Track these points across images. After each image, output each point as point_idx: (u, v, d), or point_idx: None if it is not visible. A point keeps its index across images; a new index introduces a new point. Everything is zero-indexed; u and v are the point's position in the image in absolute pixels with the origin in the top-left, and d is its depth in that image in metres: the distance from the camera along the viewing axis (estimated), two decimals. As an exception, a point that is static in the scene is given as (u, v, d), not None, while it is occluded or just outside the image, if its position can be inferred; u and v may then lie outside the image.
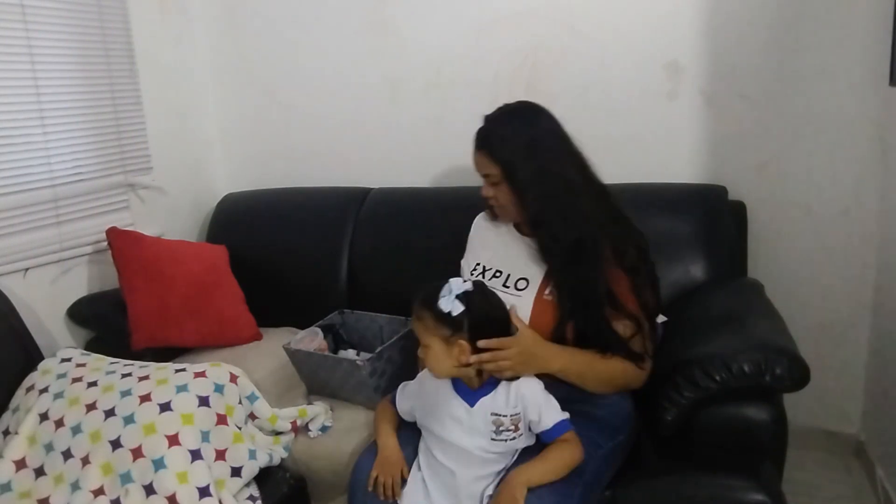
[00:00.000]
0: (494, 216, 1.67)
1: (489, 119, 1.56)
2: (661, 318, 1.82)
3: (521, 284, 1.53)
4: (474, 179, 1.63)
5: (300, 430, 1.71)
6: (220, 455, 1.52)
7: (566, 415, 1.37)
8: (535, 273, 1.53)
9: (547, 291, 1.50)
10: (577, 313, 1.45)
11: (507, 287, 1.54)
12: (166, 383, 1.58)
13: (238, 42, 2.65)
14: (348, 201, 2.39)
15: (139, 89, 2.35)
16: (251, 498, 1.54)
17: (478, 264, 1.64)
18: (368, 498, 1.39)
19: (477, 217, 1.76)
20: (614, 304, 1.44)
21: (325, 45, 2.52)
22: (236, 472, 1.53)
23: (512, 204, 1.53)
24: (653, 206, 2.03)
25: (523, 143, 1.49)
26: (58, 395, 1.61)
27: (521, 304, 1.49)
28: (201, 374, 1.61)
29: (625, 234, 1.51)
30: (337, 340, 2.02)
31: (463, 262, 1.73)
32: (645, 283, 1.50)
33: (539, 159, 1.48)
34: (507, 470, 1.35)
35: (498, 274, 1.58)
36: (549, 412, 1.35)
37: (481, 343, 1.33)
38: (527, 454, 1.37)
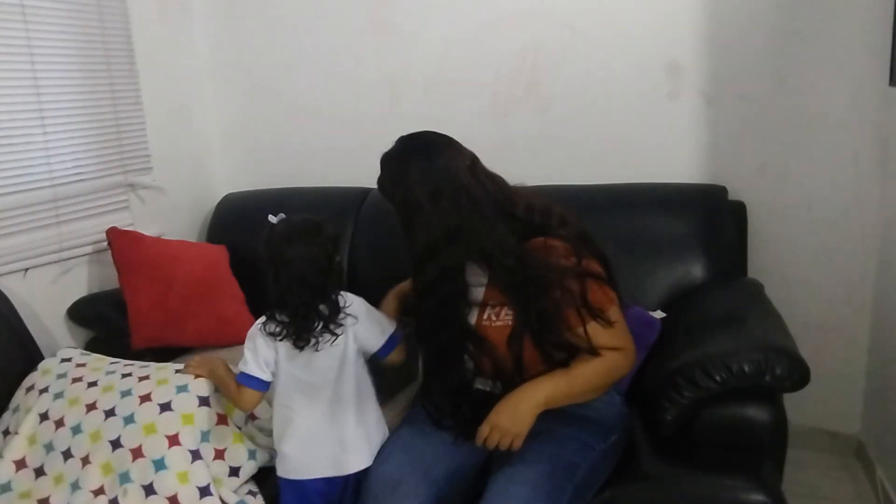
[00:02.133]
0: None
1: (381, 162, 1.52)
2: (658, 314, 1.82)
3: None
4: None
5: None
6: (219, 454, 1.52)
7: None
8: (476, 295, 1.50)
9: (486, 315, 1.46)
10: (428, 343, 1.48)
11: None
12: (166, 383, 1.58)
13: (238, 42, 2.65)
14: (348, 201, 2.39)
15: (139, 89, 2.35)
16: (251, 493, 1.54)
17: None
18: (386, 494, 1.38)
19: None
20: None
21: (326, 44, 2.52)
22: (234, 471, 1.52)
23: None
24: (653, 206, 2.04)
25: (401, 189, 1.44)
26: (58, 395, 1.61)
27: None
28: (202, 375, 1.61)
29: (507, 268, 1.39)
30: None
31: None
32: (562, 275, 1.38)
33: (411, 204, 1.41)
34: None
35: None
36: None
37: (478, 443, 1.37)
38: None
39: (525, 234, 1.41)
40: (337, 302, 1.44)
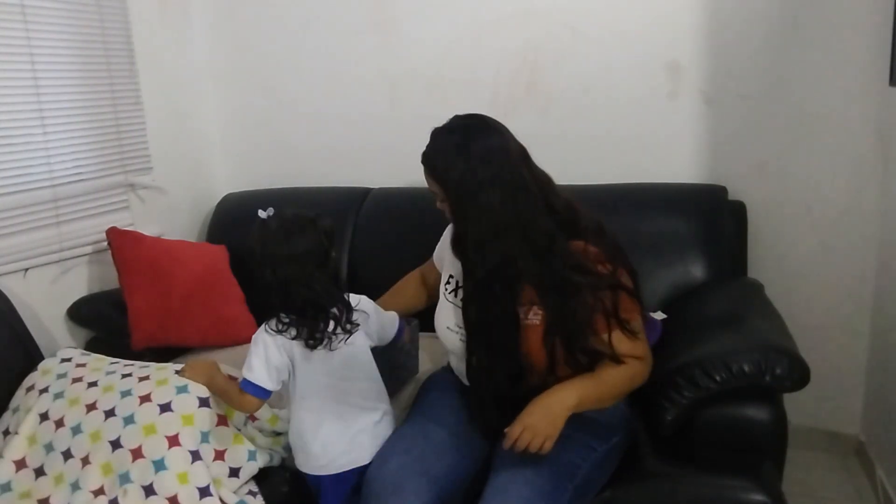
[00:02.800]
0: None
1: (433, 134, 1.47)
2: (660, 316, 1.82)
3: None
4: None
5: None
6: (219, 455, 1.52)
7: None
8: None
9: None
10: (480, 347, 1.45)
11: None
12: (166, 384, 1.58)
13: (238, 42, 2.65)
14: (348, 201, 2.39)
15: (139, 89, 2.35)
16: (251, 493, 1.54)
17: (451, 276, 1.61)
18: (388, 494, 1.38)
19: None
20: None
21: (326, 44, 2.52)
22: (234, 472, 1.52)
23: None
24: (653, 206, 2.04)
25: (461, 165, 1.38)
26: (58, 395, 1.61)
27: None
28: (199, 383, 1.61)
29: (552, 268, 1.38)
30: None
31: (436, 249, 1.75)
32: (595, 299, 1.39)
33: (469, 184, 1.36)
34: None
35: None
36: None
37: (507, 446, 1.33)
38: None
39: (566, 235, 1.41)
40: (349, 301, 1.45)
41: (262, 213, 1.46)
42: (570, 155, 2.28)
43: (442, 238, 1.74)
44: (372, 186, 2.45)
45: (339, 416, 1.46)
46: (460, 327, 1.52)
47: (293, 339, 1.41)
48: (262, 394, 1.43)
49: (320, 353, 1.42)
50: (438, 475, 1.40)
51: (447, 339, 1.59)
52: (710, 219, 1.98)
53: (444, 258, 1.67)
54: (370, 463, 1.45)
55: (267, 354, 1.42)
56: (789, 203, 2.13)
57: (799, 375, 1.38)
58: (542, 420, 1.32)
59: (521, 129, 2.37)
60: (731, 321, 1.60)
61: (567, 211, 1.44)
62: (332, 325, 1.40)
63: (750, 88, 2.10)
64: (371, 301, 1.53)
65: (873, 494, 2.02)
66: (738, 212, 2.04)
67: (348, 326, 1.42)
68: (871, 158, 2.04)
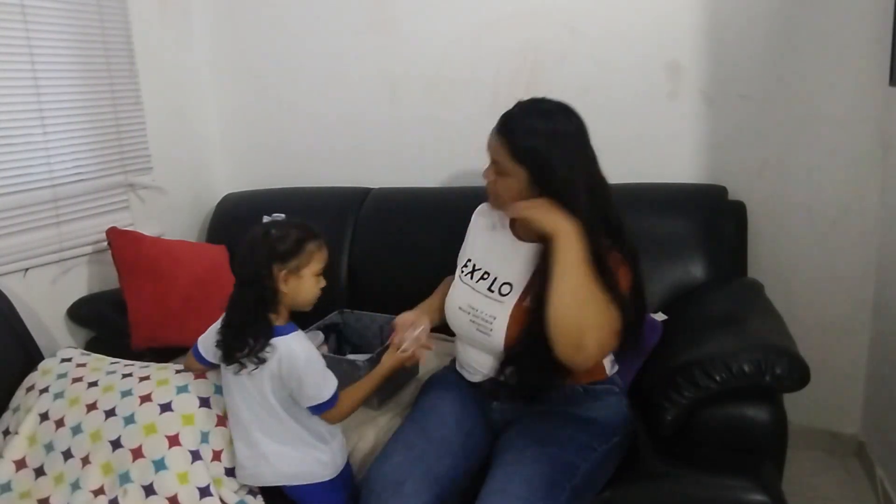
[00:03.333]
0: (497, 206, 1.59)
1: (521, 104, 1.46)
2: (660, 317, 1.82)
3: (505, 290, 1.50)
4: (474, 179, 1.62)
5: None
6: (217, 456, 1.52)
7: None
8: (520, 280, 1.49)
9: (527, 300, 1.46)
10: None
11: (492, 291, 1.51)
12: (167, 384, 1.58)
13: (238, 42, 2.65)
14: (348, 201, 2.39)
15: (139, 89, 2.35)
16: (251, 493, 1.54)
17: (469, 261, 1.62)
18: (388, 494, 1.37)
19: (479, 206, 1.69)
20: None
21: (326, 44, 2.52)
22: (230, 472, 1.52)
23: (512, 196, 1.44)
24: (653, 206, 2.04)
25: (551, 143, 1.39)
26: (58, 395, 1.61)
27: (501, 309, 1.48)
28: (202, 376, 1.61)
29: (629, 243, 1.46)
30: (340, 341, 2.02)
31: (461, 250, 1.72)
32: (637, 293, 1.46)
33: (559, 158, 1.39)
34: None
35: (485, 276, 1.55)
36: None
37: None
38: None
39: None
40: (268, 332, 1.38)
41: (267, 218, 1.46)
42: (570, 155, 2.28)
43: (465, 239, 1.70)
44: (372, 186, 2.44)
45: (244, 438, 1.46)
46: (472, 308, 1.53)
47: (216, 345, 1.43)
48: (197, 356, 1.55)
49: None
50: (439, 474, 1.40)
51: (456, 320, 1.58)
52: (710, 219, 1.98)
53: (466, 245, 1.67)
54: (373, 462, 1.44)
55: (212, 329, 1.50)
56: (789, 203, 2.13)
57: (799, 375, 1.38)
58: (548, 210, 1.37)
59: (521, 129, 2.38)
60: (731, 321, 1.60)
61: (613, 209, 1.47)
62: (246, 350, 1.37)
63: (750, 88, 2.10)
64: (307, 358, 1.39)
65: (873, 494, 2.02)
66: (738, 212, 2.04)
67: (254, 359, 1.37)
68: (871, 158, 2.04)
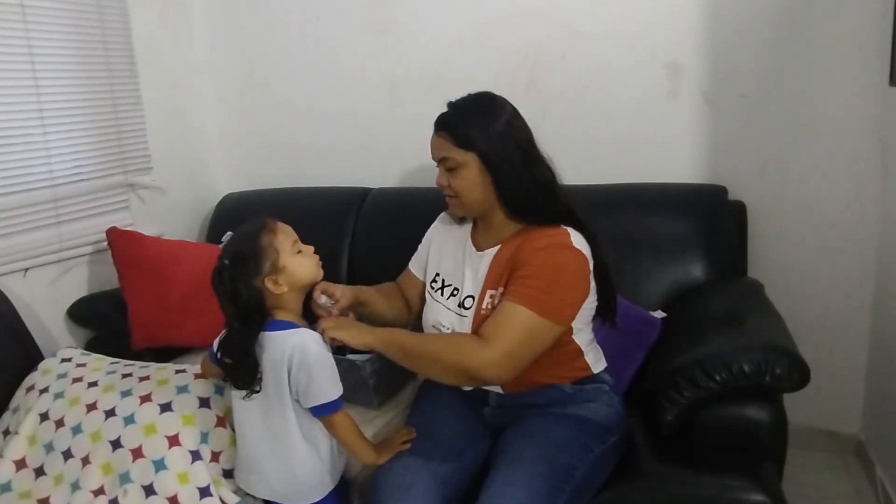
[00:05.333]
0: (459, 219, 1.62)
1: (452, 104, 1.50)
2: (659, 314, 1.83)
3: (468, 303, 1.49)
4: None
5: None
6: (215, 457, 1.51)
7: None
8: (477, 288, 1.48)
9: (484, 304, 1.45)
10: None
11: (459, 307, 1.50)
12: (167, 384, 1.58)
13: (238, 42, 2.65)
14: (348, 201, 2.39)
15: (139, 89, 2.35)
16: (251, 493, 1.54)
17: (437, 275, 1.60)
18: (397, 498, 1.36)
19: (440, 216, 1.69)
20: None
21: (326, 44, 2.52)
22: (228, 473, 1.52)
23: (470, 191, 1.45)
24: (653, 206, 2.04)
25: (496, 124, 1.43)
26: (58, 395, 1.61)
27: (464, 324, 1.47)
28: (202, 376, 1.61)
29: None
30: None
31: (415, 257, 1.70)
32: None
33: (513, 141, 1.43)
34: None
35: (455, 292, 1.53)
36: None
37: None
38: None
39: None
40: (252, 354, 1.33)
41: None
42: (570, 155, 2.26)
43: (422, 244, 1.71)
44: (372, 186, 2.44)
45: (245, 447, 1.45)
46: (441, 325, 1.52)
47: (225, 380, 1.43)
48: (213, 359, 1.42)
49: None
50: (445, 477, 1.40)
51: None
52: (710, 219, 1.98)
53: (430, 258, 1.65)
54: (379, 468, 1.42)
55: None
56: (789, 203, 2.13)
57: (799, 375, 1.38)
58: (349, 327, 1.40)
59: (521, 129, 2.38)
60: (731, 321, 1.60)
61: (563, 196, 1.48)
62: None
63: (750, 88, 2.10)
64: (315, 353, 1.33)
65: (873, 494, 2.02)
66: (738, 212, 2.04)
67: (239, 384, 1.34)
68: (871, 158, 2.04)
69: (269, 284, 1.33)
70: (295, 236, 1.39)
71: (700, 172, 2.19)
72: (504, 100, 1.50)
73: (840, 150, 2.06)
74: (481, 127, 1.43)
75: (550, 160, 1.49)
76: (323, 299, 1.47)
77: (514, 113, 1.48)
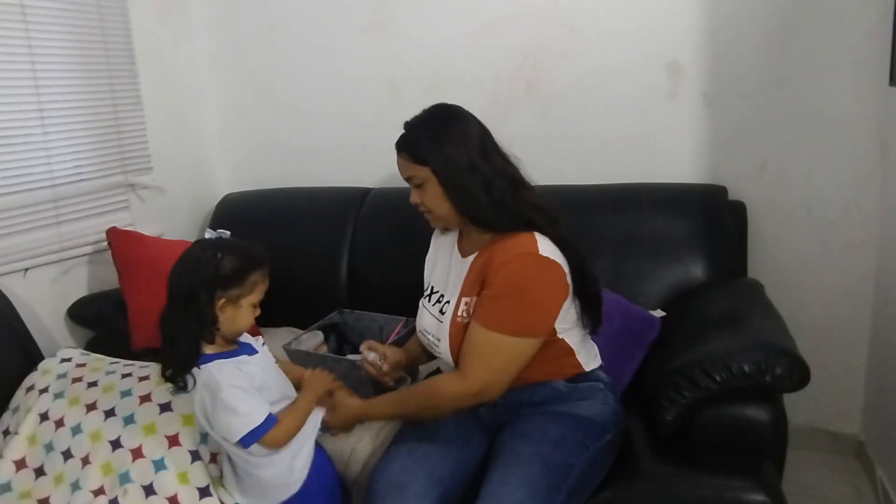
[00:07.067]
0: (443, 229, 1.63)
1: (407, 123, 1.51)
2: (659, 313, 1.83)
3: (446, 308, 1.51)
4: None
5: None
6: (213, 458, 1.51)
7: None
8: (455, 294, 1.49)
9: (460, 312, 1.46)
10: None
11: (441, 312, 1.53)
12: (166, 384, 1.58)
13: (238, 42, 2.65)
14: (348, 201, 2.39)
15: (139, 89, 2.35)
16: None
17: (430, 285, 1.64)
18: (394, 497, 1.36)
19: (435, 231, 1.71)
20: None
21: (326, 44, 2.52)
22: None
23: (439, 206, 1.46)
24: (653, 206, 2.04)
25: (447, 138, 1.43)
26: (58, 395, 1.61)
27: (443, 328, 1.50)
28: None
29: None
30: (340, 341, 2.02)
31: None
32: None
33: (465, 152, 1.42)
34: None
35: (441, 298, 1.56)
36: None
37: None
38: None
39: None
40: (192, 361, 1.32)
41: (211, 233, 1.39)
42: (570, 155, 2.28)
43: (432, 241, 1.72)
44: (372, 186, 2.44)
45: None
46: (427, 331, 1.57)
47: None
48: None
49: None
50: (443, 475, 1.40)
51: (422, 341, 1.63)
52: (710, 219, 1.98)
53: (426, 272, 1.69)
54: (376, 466, 1.44)
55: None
56: (789, 203, 2.13)
57: (799, 375, 1.38)
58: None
59: (521, 129, 2.40)
60: (731, 321, 1.60)
61: (533, 199, 1.46)
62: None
63: (750, 88, 2.10)
64: (227, 390, 1.27)
65: (873, 494, 2.02)
66: (738, 212, 2.04)
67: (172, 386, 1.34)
68: (871, 158, 2.04)
69: (218, 303, 1.30)
70: (263, 295, 1.37)
71: (700, 172, 2.19)
72: (460, 109, 1.51)
73: (840, 150, 2.06)
74: (434, 141, 1.44)
75: (517, 165, 1.48)
76: (371, 356, 1.55)
77: (470, 122, 1.48)
